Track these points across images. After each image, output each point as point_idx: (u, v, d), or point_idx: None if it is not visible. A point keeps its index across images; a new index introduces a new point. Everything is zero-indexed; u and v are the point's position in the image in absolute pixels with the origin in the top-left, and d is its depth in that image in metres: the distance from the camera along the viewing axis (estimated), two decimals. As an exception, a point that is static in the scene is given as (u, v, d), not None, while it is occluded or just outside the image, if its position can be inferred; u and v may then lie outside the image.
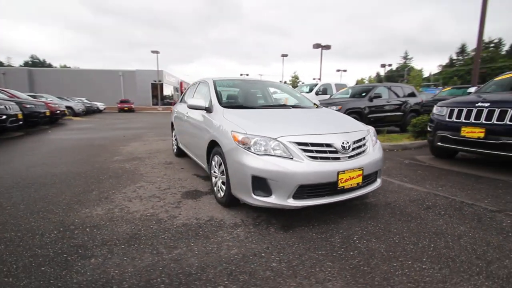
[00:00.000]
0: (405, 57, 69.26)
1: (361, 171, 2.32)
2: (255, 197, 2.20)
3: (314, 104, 3.73)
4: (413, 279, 1.61)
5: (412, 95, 9.21)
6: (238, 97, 3.64)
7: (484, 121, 3.82)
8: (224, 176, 2.58)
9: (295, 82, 34.83)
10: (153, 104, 35.11)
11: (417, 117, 7.15)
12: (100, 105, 25.39)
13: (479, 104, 3.95)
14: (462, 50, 61.33)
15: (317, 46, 21.92)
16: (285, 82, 35.18)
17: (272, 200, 2.16)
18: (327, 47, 22.00)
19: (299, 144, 2.23)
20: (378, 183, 2.64)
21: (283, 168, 2.11)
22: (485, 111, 3.84)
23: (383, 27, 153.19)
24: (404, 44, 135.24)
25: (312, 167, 2.14)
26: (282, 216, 2.46)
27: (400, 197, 3.02)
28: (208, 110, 3.17)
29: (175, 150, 5.21)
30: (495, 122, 3.71)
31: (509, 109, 3.61)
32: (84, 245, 1.99)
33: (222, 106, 3.04)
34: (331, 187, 2.22)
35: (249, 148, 2.25)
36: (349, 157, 2.32)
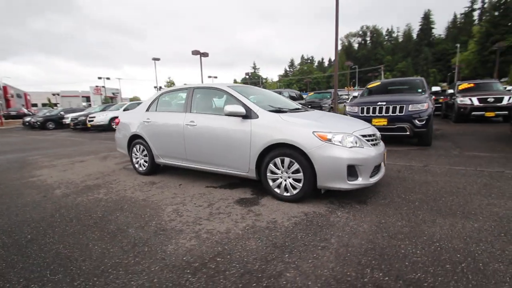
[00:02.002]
0: (254, 67, 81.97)
1: (385, 153, 3.30)
2: (349, 182, 2.68)
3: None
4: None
5: (300, 97, 11.74)
6: (265, 102, 3.70)
7: (385, 114, 5.91)
8: (297, 175, 2.85)
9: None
10: None
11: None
12: None
13: (379, 103, 6.03)
14: (292, 64, 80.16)
15: (196, 52, 22.26)
16: (160, 88, 33.04)
17: (360, 181, 2.72)
18: (205, 54, 22.86)
19: (363, 136, 2.92)
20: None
21: (366, 154, 2.73)
22: (384, 107, 5.94)
23: (235, 39, 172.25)
24: (251, 55, 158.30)
25: (376, 151, 2.90)
26: (346, 198, 3.05)
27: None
28: (247, 116, 3.20)
29: (143, 168, 4.39)
30: (391, 114, 5.85)
31: (397, 106, 5.81)
32: None
33: (268, 111, 3.19)
34: (379, 166, 3.05)
35: (339, 143, 2.69)
36: (379, 143, 3.24)
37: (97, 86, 44.38)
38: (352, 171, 2.69)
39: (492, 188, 3.16)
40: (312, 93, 17.42)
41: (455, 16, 70.15)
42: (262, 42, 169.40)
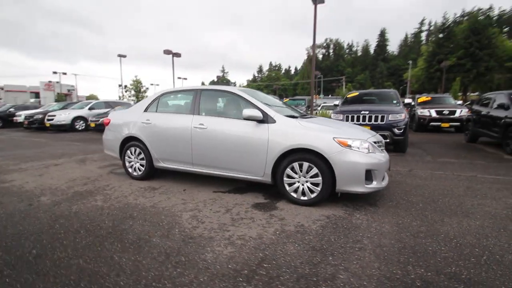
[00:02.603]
0: (223, 71, 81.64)
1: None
2: (366, 186, 2.85)
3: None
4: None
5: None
6: (272, 107, 3.67)
7: (368, 122, 6.35)
8: (315, 179, 2.94)
9: (137, 87, 31.22)
10: None
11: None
12: None
13: (363, 112, 6.47)
14: (260, 70, 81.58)
15: (168, 52, 21.38)
16: (125, 86, 31.01)
17: (374, 185, 2.91)
18: (177, 54, 22.10)
19: (375, 142, 3.13)
20: None
21: (379, 160, 2.93)
22: (367, 116, 6.39)
23: (202, 40, 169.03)
24: (219, 58, 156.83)
25: (386, 157, 3.12)
26: (358, 201, 3.21)
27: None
28: (264, 120, 3.21)
29: (137, 172, 4.11)
30: (374, 122, 6.31)
31: (379, 115, 6.30)
32: None
33: (284, 116, 3.24)
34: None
35: (358, 149, 2.85)
36: (383, 149, 3.50)
37: (49, 82, 40.02)
38: (368, 175, 2.87)
39: (474, 190, 3.59)
40: (287, 99, 17.95)
41: (406, 35, 78.12)
42: (230, 46, 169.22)
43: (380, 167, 2.92)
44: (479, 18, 48.88)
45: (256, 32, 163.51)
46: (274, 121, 3.20)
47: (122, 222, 2.66)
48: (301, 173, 3.03)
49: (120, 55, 27.09)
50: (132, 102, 19.06)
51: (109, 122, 4.44)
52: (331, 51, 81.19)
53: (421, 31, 74.31)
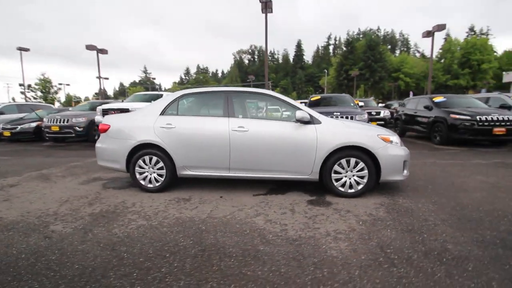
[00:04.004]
0: (145, 71, 75.14)
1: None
2: (404, 174, 3.35)
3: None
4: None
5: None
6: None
7: (340, 122, 7.18)
8: (361, 173, 3.29)
9: (45, 87, 24.96)
10: None
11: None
12: None
13: (335, 113, 7.28)
14: (188, 72, 78.85)
15: (91, 48, 18.18)
16: (29, 86, 24.98)
17: (406, 173, 3.43)
18: (104, 51, 19.10)
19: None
20: None
21: (408, 152, 3.49)
22: (339, 117, 7.22)
23: (118, 38, 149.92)
24: (139, 58, 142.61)
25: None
26: (391, 189, 3.71)
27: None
28: (310, 122, 3.36)
29: (154, 184, 3.61)
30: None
31: (349, 116, 7.20)
32: None
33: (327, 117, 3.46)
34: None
35: (396, 143, 3.32)
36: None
37: None
38: (404, 165, 3.39)
39: (445, 172, 4.63)
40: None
41: (318, 47, 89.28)
42: (151, 47, 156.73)
43: (409, 157, 3.48)
44: (372, 36, 60.03)
45: (179, 34, 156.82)
46: (319, 122, 3.39)
47: (201, 238, 2.37)
48: (348, 168, 3.33)
49: (21, 48, 21.51)
50: (54, 105, 15.59)
51: (107, 128, 3.72)
52: (256, 57, 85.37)
53: (329, 45, 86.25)
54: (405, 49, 76.52)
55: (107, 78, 29.98)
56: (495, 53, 48.45)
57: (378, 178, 3.32)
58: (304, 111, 3.36)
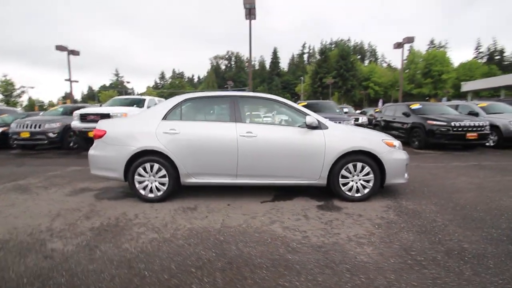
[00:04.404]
0: (117, 74, 71.92)
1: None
2: (406, 176, 3.49)
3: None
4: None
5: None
6: None
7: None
8: (367, 177, 3.37)
9: (7, 90, 22.45)
10: None
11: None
12: None
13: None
14: (163, 77, 76.73)
15: (62, 49, 16.87)
16: None
17: (407, 176, 3.57)
18: (75, 52, 17.85)
19: (397, 142, 3.86)
20: None
21: (408, 156, 3.64)
22: (328, 122, 7.41)
23: (84, 38, 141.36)
24: (108, 60, 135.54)
25: (404, 153, 3.90)
26: (392, 192, 3.84)
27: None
28: (317, 127, 3.38)
29: (155, 193, 3.40)
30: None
31: (337, 121, 7.42)
32: None
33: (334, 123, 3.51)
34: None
35: (399, 148, 3.45)
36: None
37: None
38: (406, 169, 3.53)
39: (433, 174, 4.92)
40: None
41: (293, 55, 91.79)
42: (122, 49, 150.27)
43: (409, 161, 3.64)
44: (344, 46, 63.00)
45: (152, 37, 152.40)
46: (326, 127, 3.44)
47: (223, 249, 2.26)
48: (355, 173, 3.40)
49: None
50: (19, 109, 14.21)
51: (103, 134, 3.45)
52: (233, 63, 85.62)
53: (303, 53, 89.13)
54: (374, 59, 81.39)
55: (76, 81, 28.09)
56: (451, 65, 53.27)
57: (383, 182, 3.43)
58: (313, 116, 3.40)
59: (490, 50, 64.86)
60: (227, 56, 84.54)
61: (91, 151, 3.55)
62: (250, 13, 12.32)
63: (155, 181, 3.42)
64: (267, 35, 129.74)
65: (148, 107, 9.58)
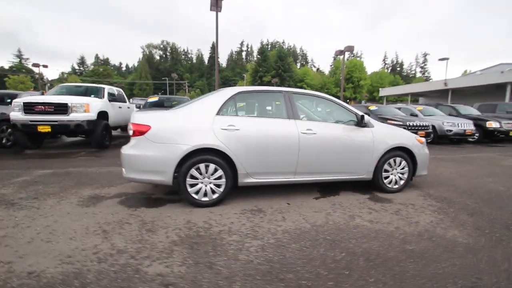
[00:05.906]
0: (20, 56, 58.11)
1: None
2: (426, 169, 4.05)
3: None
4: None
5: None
6: None
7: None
8: (403, 170, 3.79)
9: None
10: None
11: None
12: None
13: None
14: (83, 62, 65.81)
15: None
16: None
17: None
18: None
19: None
20: None
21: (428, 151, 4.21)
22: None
23: None
24: (9, 40, 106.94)
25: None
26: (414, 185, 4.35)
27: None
28: (366, 125, 3.59)
29: (210, 197, 3.04)
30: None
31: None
32: None
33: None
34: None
35: (424, 144, 3.97)
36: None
37: None
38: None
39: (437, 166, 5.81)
40: (155, 97, 14.61)
41: (231, 52, 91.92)
42: (24, 26, 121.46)
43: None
44: (281, 48, 66.41)
45: (66, 15, 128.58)
46: (373, 125, 3.69)
47: (347, 249, 2.23)
48: (394, 167, 3.76)
49: None
50: None
51: (147, 130, 2.85)
52: (168, 54, 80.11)
53: (242, 51, 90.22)
54: (305, 62, 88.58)
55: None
56: (366, 73, 62.56)
57: (413, 174, 3.90)
58: (364, 115, 3.59)
59: (393, 62, 78.84)
60: (161, 46, 78.55)
61: (128, 151, 2.90)
62: (217, 4, 11.81)
63: (211, 183, 3.05)
64: (204, 26, 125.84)
65: (110, 98, 8.21)
